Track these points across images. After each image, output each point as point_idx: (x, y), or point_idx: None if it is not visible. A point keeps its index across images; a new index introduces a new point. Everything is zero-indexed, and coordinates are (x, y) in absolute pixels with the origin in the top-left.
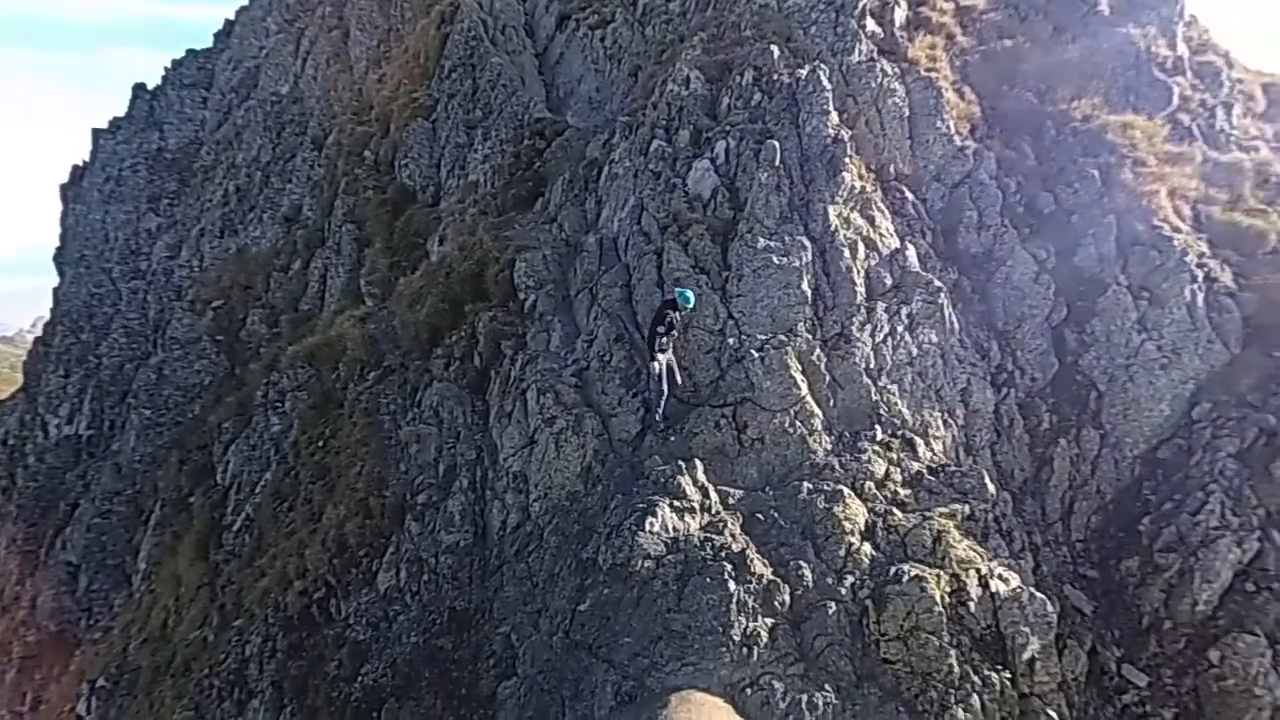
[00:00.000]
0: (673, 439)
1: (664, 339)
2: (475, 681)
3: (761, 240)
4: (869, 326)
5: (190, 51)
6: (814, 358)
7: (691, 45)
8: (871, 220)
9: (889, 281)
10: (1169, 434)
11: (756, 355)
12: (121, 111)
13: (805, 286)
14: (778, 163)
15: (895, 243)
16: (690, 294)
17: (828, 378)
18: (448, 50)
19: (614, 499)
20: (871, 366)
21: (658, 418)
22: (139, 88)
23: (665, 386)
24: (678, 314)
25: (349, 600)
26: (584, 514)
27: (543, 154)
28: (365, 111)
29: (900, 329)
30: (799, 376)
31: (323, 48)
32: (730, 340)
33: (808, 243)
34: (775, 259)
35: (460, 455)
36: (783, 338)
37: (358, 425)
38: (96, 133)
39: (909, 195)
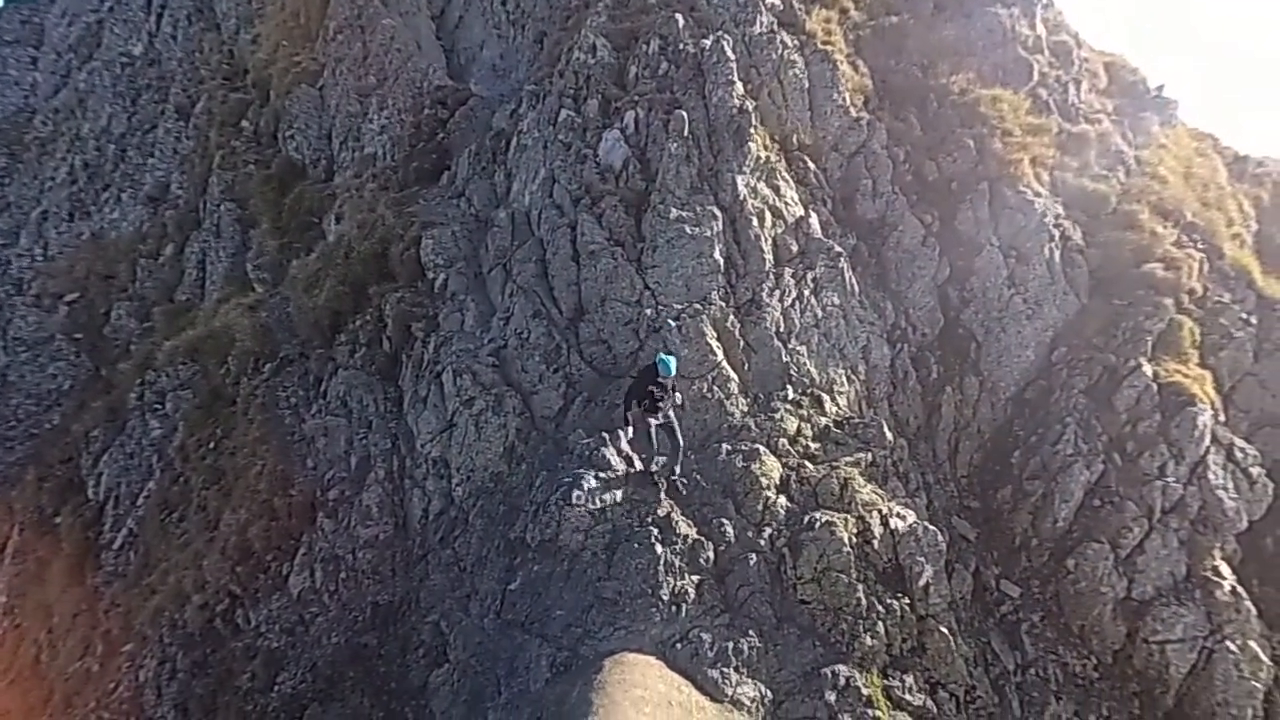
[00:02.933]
0: (596, 411)
1: (660, 402)
2: (405, 674)
3: (674, 210)
4: (778, 292)
5: (10, 2)
6: (728, 324)
7: (597, 12)
8: (777, 189)
9: (794, 248)
10: (1034, 376)
11: (674, 324)
12: None
13: (718, 255)
14: (686, 133)
15: (799, 211)
16: (672, 361)
17: (742, 343)
18: (331, 10)
19: (539, 476)
20: (781, 330)
21: (657, 473)
22: None
23: (679, 440)
24: (660, 382)
25: (258, 608)
26: (509, 493)
27: (446, 124)
28: (239, 76)
29: (806, 293)
30: (715, 343)
31: (182, 3)
32: (648, 311)
33: (718, 212)
34: (688, 229)
35: (374, 445)
36: (698, 306)
37: (254, 422)
38: None
39: (810, 165)
